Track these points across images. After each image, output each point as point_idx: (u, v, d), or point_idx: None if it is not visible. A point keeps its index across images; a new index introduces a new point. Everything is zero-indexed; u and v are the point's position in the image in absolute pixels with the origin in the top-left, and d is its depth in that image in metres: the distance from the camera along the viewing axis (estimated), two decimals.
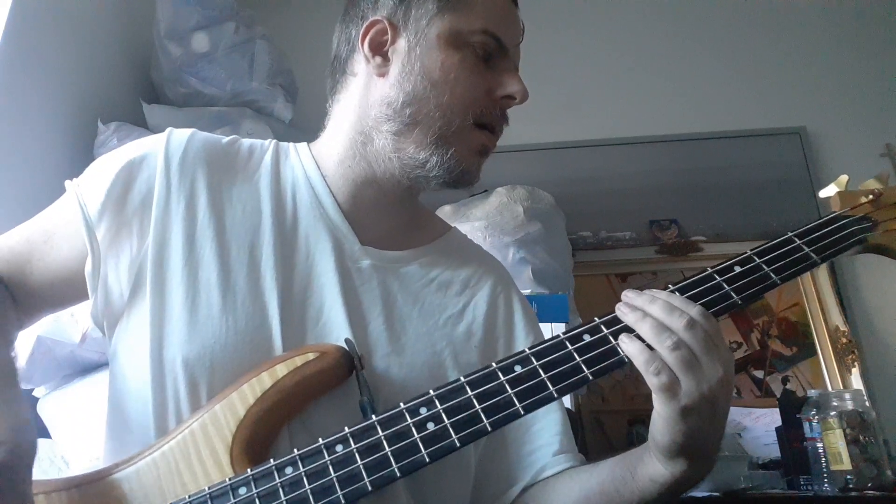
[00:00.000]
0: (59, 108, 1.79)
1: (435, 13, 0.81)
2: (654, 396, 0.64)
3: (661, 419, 0.64)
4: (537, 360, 0.67)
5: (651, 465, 0.69)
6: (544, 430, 0.84)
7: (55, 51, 1.76)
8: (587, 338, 0.68)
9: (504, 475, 0.83)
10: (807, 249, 0.73)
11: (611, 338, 0.68)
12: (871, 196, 0.79)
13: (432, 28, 0.81)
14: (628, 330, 0.67)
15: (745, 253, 0.73)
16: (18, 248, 0.78)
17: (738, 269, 0.72)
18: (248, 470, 0.64)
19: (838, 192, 0.81)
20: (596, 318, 0.70)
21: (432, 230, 0.94)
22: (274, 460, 0.64)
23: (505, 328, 0.88)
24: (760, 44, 2.54)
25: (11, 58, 1.58)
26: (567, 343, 0.68)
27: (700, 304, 0.68)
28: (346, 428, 0.65)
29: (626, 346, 0.66)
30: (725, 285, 0.71)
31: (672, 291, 0.69)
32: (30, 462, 0.58)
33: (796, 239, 0.74)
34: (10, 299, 0.77)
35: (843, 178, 0.82)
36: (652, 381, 0.63)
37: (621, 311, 0.68)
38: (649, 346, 0.64)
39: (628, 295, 0.69)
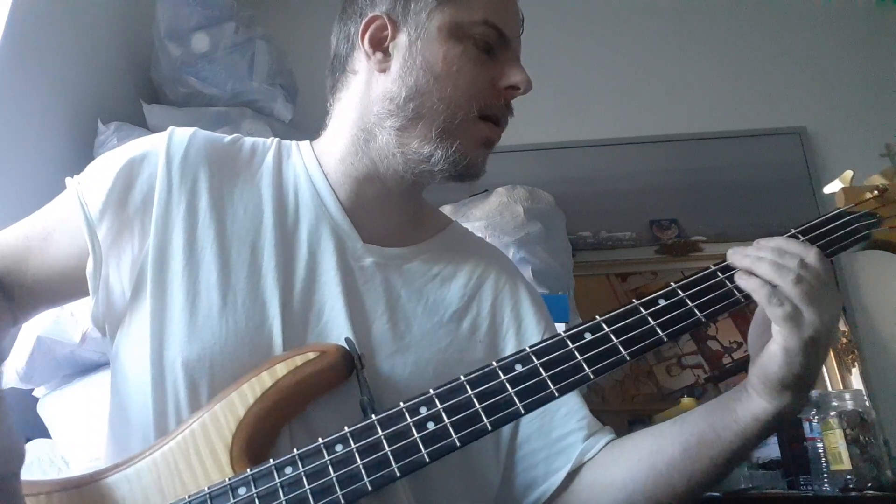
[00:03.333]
0: (59, 108, 1.79)
1: (434, 6, 0.81)
2: (778, 329, 0.66)
3: (783, 351, 0.65)
4: (538, 359, 0.67)
5: (755, 402, 0.69)
6: (572, 415, 0.83)
7: (55, 51, 1.76)
8: (588, 336, 0.68)
9: (537, 465, 0.82)
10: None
11: (612, 336, 0.67)
12: (876, 192, 0.78)
13: (433, 21, 0.81)
14: (629, 329, 0.67)
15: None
16: (16, 244, 0.77)
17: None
18: (248, 470, 0.64)
19: (843, 188, 0.80)
20: (597, 317, 0.69)
21: (434, 225, 0.93)
22: (273, 460, 0.64)
23: (513, 318, 0.87)
24: (760, 44, 2.53)
25: (11, 58, 1.58)
26: (568, 341, 0.68)
27: (703, 300, 0.69)
28: (345, 427, 0.65)
29: (745, 281, 0.68)
30: (728, 283, 0.70)
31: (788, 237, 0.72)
32: (17, 470, 0.56)
33: (801, 235, 0.74)
34: (3, 297, 0.75)
35: (848, 173, 0.81)
36: (775, 312, 0.65)
37: (734, 257, 0.70)
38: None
39: (737, 251, 0.70)
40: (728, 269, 0.72)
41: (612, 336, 0.67)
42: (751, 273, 0.69)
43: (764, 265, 0.67)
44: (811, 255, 0.68)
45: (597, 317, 0.69)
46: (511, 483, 0.82)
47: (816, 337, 0.65)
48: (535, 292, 0.92)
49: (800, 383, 0.67)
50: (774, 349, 0.66)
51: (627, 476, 0.77)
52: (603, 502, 0.78)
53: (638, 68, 2.53)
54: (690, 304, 0.69)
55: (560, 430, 0.82)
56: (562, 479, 0.80)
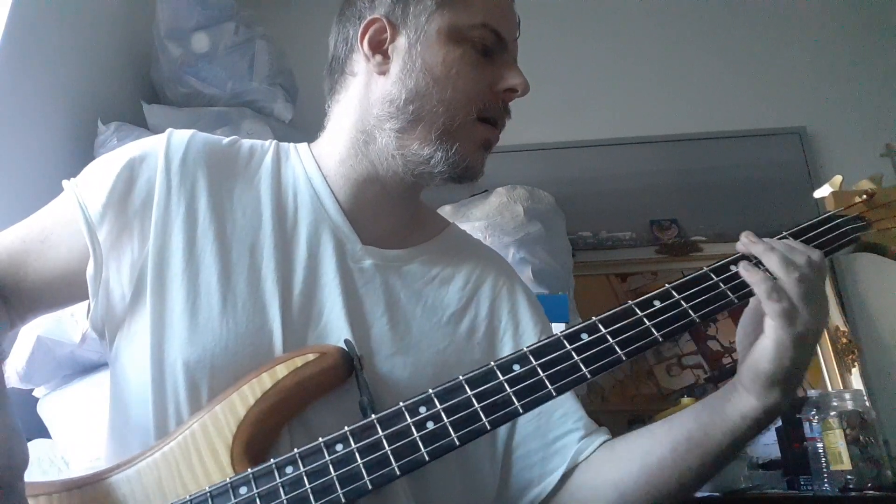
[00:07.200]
0: (59, 108, 1.79)
1: (434, 9, 0.81)
2: (772, 323, 0.68)
3: (775, 345, 0.68)
4: (536, 360, 0.67)
5: (743, 400, 0.71)
6: (568, 416, 0.83)
7: (55, 51, 1.76)
8: (585, 337, 0.69)
9: (534, 466, 0.82)
10: None
11: (608, 337, 0.68)
12: (864, 196, 0.81)
13: (432, 24, 0.81)
14: (625, 330, 0.68)
15: (741, 252, 0.74)
16: (14, 248, 0.77)
17: (733, 268, 0.73)
18: (249, 469, 0.64)
19: (832, 192, 0.83)
20: (594, 318, 0.70)
21: (432, 227, 0.94)
22: (274, 460, 0.64)
23: (511, 319, 0.88)
24: (760, 44, 2.54)
25: (11, 58, 1.58)
26: (565, 342, 0.68)
27: (697, 301, 0.70)
28: (345, 427, 0.65)
29: (749, 274, 0.70)
30: (722, 284, 0.72)
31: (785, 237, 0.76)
32: (21, 472, 0.57)
33: (791, 238, 0.75)
34: (1, 301, 0.75)
35: (838, 178, 0.84)
36: (774, 307, 0.67)
37: (745, 242, 0.73)
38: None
39: (750, 236, 0.74)
40: (720, 271, 0.73)
41: (608, 336, 0.68)
42: (756, 265, 0.71)
43: (775, 257, 0.70)
44: (816, 255, 0.71)
45: (593, 317, 0.70)
46: (508, 483, 0.83)
47: (806, 334, 0.67)
48: (531, 294, 0.93)
49: (788, 379, 0.69)
50: (766, 343, 0.68)
51: (619, 476, 0.78)
52: (596, 502, 0.79)
53: (638, 68, 2.53)
54: (685, 305, 0.71)
55: (556, 431, 0.83)
56: (557, 480, 0.81)
